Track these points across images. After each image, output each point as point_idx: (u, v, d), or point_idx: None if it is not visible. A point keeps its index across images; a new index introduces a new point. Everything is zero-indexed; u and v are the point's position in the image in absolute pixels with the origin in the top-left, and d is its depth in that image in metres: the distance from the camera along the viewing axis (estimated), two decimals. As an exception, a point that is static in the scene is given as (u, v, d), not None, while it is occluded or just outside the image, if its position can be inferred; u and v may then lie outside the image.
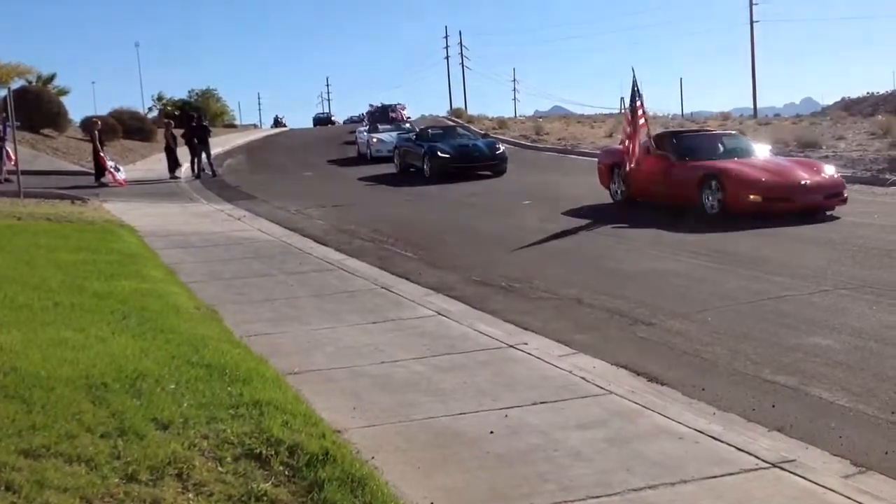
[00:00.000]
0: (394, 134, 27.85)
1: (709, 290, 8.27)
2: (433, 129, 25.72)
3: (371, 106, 42.41)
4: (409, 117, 39.57)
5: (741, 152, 14.25)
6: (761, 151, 14.73)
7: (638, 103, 14.17)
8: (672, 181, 13.71)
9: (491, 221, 14.28)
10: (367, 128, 31.60)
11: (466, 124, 34.52)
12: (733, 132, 17.75)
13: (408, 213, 15.92)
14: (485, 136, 25.25)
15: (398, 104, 41.63)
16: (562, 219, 13.85)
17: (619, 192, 15.18)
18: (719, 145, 14.64)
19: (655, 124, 39.46)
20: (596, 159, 17.31)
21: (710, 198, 12.86)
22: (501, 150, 22.56)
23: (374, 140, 28.47)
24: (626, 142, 14.29)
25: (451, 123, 37.36)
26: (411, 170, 23.19)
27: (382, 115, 36.91)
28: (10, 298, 6.76)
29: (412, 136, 24.99)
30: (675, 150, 14.17)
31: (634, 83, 14.36)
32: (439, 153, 21.80)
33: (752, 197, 12.40)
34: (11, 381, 4.51)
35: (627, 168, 14.33)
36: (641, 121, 14.22)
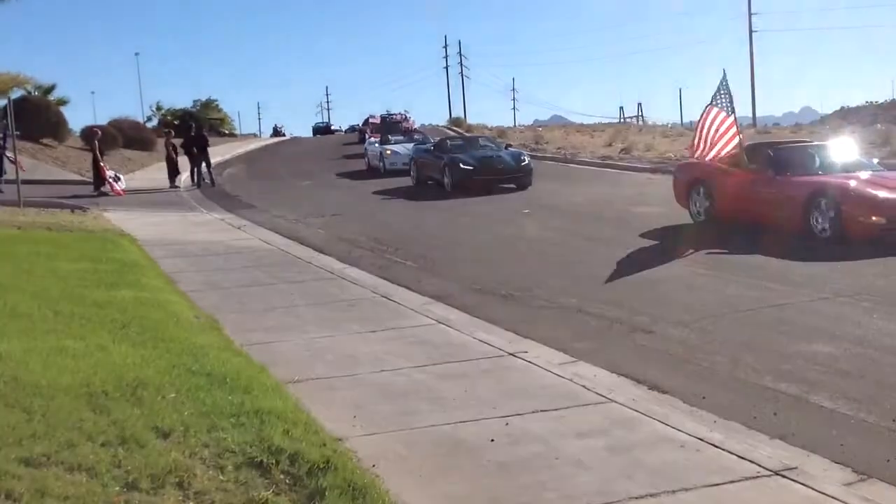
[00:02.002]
0: (408, 145, 26.56)
1: None
2: (453, 140, 24.60)
3: (372, 117, 42.00)
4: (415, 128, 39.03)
5: (849, 165, 12.41)
6: (869, 164, 12.76)
7: (729, 109, 12.24)
8: (770, 200, 11.93)
9: (491, 230, 14.28)
10: (377, 139, 30.38)
11: (478, 135, 33.10)
12: (834, 142, 15.31)
13: (406, 222, 15.93)
14: (508, 146, 23.83)
15: (398, 113, 41.38)
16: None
17: (700, 211, 13.29)
18: (822, 157, 12.75)
19: (655, 133, 39.59)
20: (667, 174, 15.30)
21: (821, 220, 11.03)
22: (527, 162, 21.15)
23: (389, 152, 27.18)
24: (700, 143, 12.26)
25: (471, 134, 36.14)
26: (429, 182, 22.10)
27: (393, 126, 35.73)
28: (11, 307, 6.76)
29: (430, 146, 23.90)
30: (772, 164, 12.32)
31: (724, 84, 12.32)
32: (461, 165, 20.58)
33: (874, 219, 10.58)
34: (12, 390, 4.52)
35: (692, 156, 12.78)
36: (733, 129, 12.27)
